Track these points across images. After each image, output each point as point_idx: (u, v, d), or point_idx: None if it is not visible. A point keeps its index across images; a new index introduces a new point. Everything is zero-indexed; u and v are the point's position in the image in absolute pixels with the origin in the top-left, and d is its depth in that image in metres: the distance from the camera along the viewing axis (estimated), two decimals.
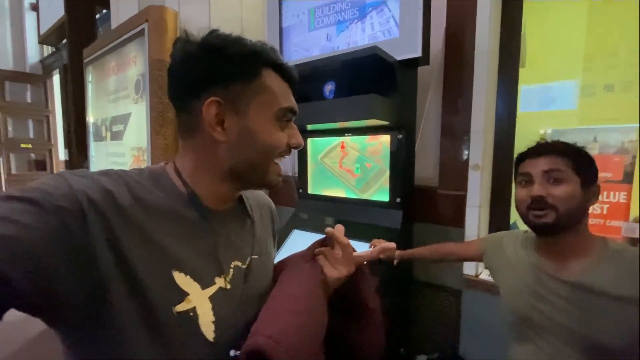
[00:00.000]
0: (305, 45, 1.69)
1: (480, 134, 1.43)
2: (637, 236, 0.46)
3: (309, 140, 1.74)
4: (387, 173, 1.47)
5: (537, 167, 0.72)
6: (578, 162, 0.70)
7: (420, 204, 1.58)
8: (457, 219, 1.50)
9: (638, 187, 1.37)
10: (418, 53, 1.23)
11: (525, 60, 1.48)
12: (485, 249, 0.96)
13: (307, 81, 1.42)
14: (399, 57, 1.25)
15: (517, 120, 1.47)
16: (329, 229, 0.56)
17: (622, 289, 0.63)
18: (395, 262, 1.17)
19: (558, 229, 0.70)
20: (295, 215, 1.76)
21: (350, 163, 1.61)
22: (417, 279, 1.61)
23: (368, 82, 1.26)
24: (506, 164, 1.47)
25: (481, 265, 1.53)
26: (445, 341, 1.55)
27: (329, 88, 1.37)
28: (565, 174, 0.69)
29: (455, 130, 1.51)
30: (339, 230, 0.58)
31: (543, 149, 0.73)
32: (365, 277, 0.59)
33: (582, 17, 2.28)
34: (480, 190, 1.45)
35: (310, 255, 0.56)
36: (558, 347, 0.69)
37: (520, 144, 1.34)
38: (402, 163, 1.43)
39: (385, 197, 1.47)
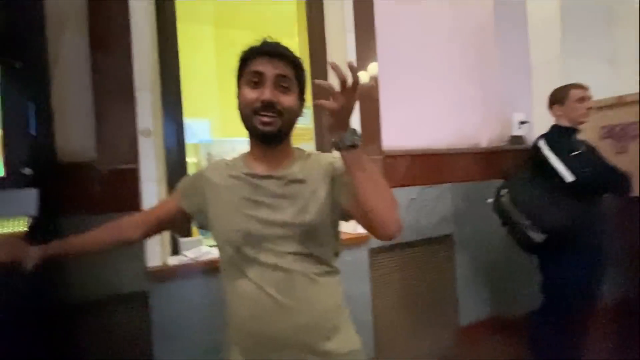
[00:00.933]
0: None
1: (148, 93, 1.21)
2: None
3: None
4: None
5: (271, 69, 0.67)
6: (299, 72, 0.72)
7: (69, 189, 1.07)
8: (130, 201, 1.16)
9: None
10: None
11: None
12: (183, 191, 0.80)
13: None
14: None
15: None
16: None
17: (310, 176, 0.74)
18: (31, 267, 0.68)
19: (280, 137, 0.71)
20: None
21: None
22: (75, 297, 1.06)
23: None
24: (177, 129, 1.36)
25: (168, 250, 1.29)
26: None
27: None
28: (291, 82, 0.70)
29: (113, 87, 1.16)
30: None
31: (276, 51, 0.68)
32: None
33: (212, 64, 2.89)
34: (156, 161, 1.21)
35: None
36: (280, 250, 0.69)
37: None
38: (25, 110, 0.88)
39: None
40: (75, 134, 1.12)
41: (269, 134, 0.69)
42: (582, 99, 1.42)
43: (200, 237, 1.35)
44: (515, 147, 1.84)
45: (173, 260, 1.24)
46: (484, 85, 1.90)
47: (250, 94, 0.68)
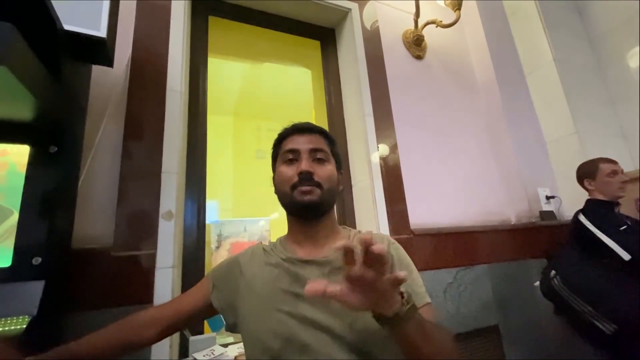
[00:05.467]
0: None
1: (173, 176, 1.19)
2: None
3: None
4: (14, 217, 0.79)
5: (305, 143, 0.69)
6: (333, 145, 0.73)
7: (78, 279, 0.97)
8: (142, 292, 1.04)
9: None
10: (101, 32, 0.87)
11: None
12: (216, 281, 0.70)
13: None
14: (72, 27, 0.82)
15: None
16: None
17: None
18: None
19: (322, 209, 0.67)
20: None
21: None
22: None
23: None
24: (199, 211, 1.30)
25: (176, 351, 1.10)
26: None
27: None
28: (326, 154, 0.70)
29: (141, 170, 1.16)
30: None
31: (307, 127, 0.72)
32: None
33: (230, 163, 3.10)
34: (174, 245, 1.13)
35: None
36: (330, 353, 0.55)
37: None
38: (51, 201, 0.83)
39: (5, 262, 0.74)
40: (94, 219, 1.07)
41: (310, 204, 0.63)
42: (614, 173, 1.39)
43: (213, 334, 1.17)
44: (548, 223, 1.74)
45: None
46: (501, 161, 1.91)
47: (287, 170, 0.66)
